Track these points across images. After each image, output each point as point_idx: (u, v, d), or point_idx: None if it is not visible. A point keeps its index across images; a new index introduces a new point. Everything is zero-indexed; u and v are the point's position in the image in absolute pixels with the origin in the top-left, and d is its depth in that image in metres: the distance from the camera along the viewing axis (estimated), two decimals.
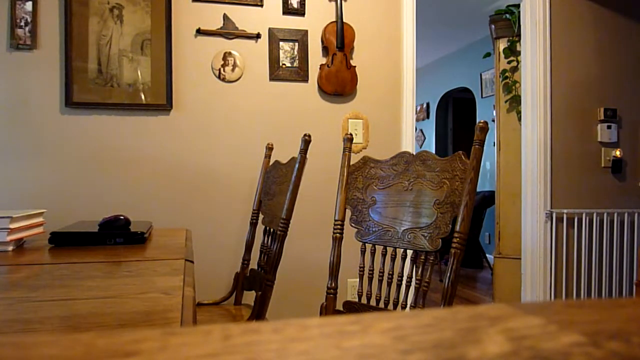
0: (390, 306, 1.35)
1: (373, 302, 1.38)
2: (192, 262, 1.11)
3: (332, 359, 0.23)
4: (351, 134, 1.57)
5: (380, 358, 0.24)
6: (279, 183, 1.85)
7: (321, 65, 2.60)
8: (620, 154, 3.03)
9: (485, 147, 1.18)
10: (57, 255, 1.18)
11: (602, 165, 3.02)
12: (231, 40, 2.51)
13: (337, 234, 1.47)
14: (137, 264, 1.04)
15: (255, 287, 1.83)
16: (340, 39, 2.57)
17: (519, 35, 3.31)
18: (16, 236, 1.26)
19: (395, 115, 2.71)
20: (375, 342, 0.26)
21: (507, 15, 3.56)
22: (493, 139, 4.41)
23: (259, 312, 1.59)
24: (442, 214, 1.21)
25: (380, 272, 1.39)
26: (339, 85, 2.60)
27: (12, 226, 1.22)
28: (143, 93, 2.38)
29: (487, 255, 5.25)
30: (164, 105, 2.40)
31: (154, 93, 2.39)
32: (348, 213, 1.48)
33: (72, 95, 2.30)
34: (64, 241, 1.31)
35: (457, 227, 1.14)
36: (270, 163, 2.08)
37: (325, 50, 2.62)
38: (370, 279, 1.41)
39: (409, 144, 2.70)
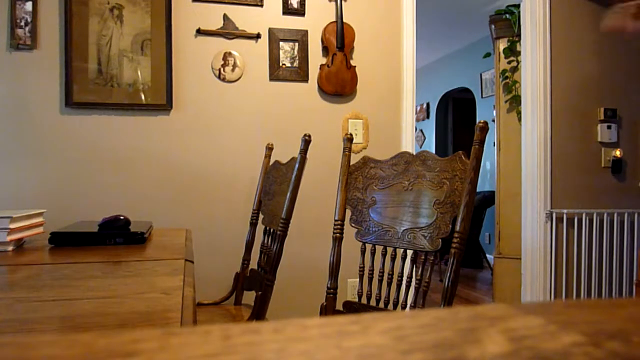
0: (390, 306, 1.35)
1: (373, 302, 1.38)
2: (192, 262, 1.11)
3: (332, 359, 0.23)
4: (351, 134, 1.57)
5: (380, 358, 0.24)
6: (279, 183, 1.85)
7: (321, 65, 2.60)
8: (620, 154, 3.03)
9: (485, 147, 1.18)
10: (57, 255, 1.18)
11: (602, 165, 3.02)
12: (231, 40, 2.51)
13: (337, 234, 1.47)
14: (137, 264, 1.04)
15: (255, 287, 1.83)
16: (340, 39, 2.57)
17: (519, 35, 3.31)
18: (16, 236, 1.26)
19: (395, 115, 2.71)
20: (375, 342, 0.25)
21: (507, 15, 3.56)
22: (493, 139, 4.41)
23: (259, 312, 1.59)
24: (442, 214, 1.21)
25: (380, 272, 1.39)
26: (339, 85, 2.60)
27: (12, 226, 1.22)
28: (143, 93, 2.38)
29: (487, 255, 5.25)
30: (164, 105, 2.41)
31: (154, 93, 2.39)
32: (348, 213, 1.48)
33: (72, 95, 2.30)
34: (64, 241, 1.31)
35: (457, 227, 1.14)
36: (270, 163, 2.08)
37: (325, 50, 2.62)
38: (370, 279, 1.41)
39: (409, 144, 2.70)
